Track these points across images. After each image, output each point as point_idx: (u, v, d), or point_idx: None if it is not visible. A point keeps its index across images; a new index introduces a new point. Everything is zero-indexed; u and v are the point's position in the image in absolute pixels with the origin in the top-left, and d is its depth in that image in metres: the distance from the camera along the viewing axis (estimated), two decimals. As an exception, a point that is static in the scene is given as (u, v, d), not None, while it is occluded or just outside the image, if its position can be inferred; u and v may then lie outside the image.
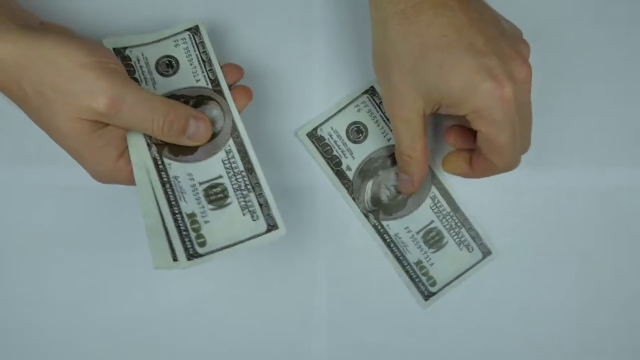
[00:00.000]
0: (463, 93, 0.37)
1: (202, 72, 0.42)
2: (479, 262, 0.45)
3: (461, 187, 0.46)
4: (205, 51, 0.43)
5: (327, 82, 0.46)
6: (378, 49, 0.40)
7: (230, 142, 0.41)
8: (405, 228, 0.45)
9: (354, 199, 0.45)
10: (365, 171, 0.46)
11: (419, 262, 0.45)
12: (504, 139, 0.38)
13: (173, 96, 0.41)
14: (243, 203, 0.39)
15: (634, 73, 0.47)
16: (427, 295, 0.45)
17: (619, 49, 0.48)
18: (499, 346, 0.46)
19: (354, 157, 0.46)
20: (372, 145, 0.46)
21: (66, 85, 0.35)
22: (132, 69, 0.42)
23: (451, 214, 0.45)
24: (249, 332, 0.46)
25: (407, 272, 0.45)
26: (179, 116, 0.38)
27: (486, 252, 0.45)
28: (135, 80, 0.41)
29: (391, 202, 0.46)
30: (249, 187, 0.40)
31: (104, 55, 0.37)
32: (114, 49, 0.42)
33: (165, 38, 0.43)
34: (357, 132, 0.46)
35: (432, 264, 0.45)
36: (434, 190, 0.46)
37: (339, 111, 0.46)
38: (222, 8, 0.46)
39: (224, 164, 0.40)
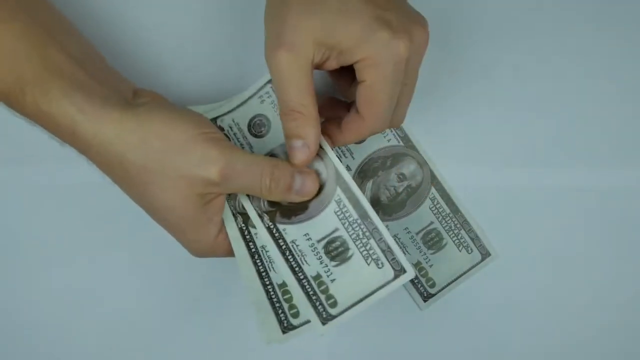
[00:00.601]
0: (359, 38, 0.35)
1: None
2: (478, 263, 0.45)
3: (461, 188, 0.46)
4: None
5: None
6: None
7: (338, 190, 0.39)
8: (405, 229, 0.45)
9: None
10: (365, 171, 0.46)
11: (418, 264, 0.45)
12: (383, 95, 0.37)
13: (272, 154, 0.41)
14: (365, 252, 0.38)
15: (635, 73, 0.48)
16: (426, 297, 0.45)
17: (620, 50, 0.48)
18: (499, 347, 0.46)
19: (354, 157, 0.46)
20: (371, 145, 0.46)
21: (178, 159, 0.35)
22: (227, 137, 0.41)
23: (450, 215, 0.45)
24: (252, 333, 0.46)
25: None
26: (284, 173, 0.37)
27: (485, 254, 0.45)
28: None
29: (391, 202, 0.46)
30: (367, 234, 0.38)
31: (207, 126, 0.37)
32: None
33: (250, 97, 0.43)
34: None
35: (432, 265, 0.45)
36: (433, 191, 0.46)
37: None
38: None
39: (337, 215, 0.39)
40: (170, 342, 0.46)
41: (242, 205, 0.40)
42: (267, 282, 0.38)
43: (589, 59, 0.48)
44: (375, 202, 0.45)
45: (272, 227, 0.39)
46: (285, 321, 0.37)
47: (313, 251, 0.38)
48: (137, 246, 0.45)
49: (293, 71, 0.36)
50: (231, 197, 0.40)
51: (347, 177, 0.39)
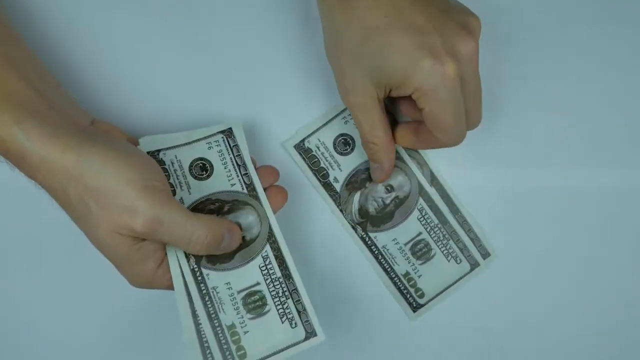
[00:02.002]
0: (405, 72, 0.37)
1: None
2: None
3: (461, 188, 0.47)
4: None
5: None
6: (327, 39, 0.40)
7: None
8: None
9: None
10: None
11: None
12: (447, 117, 0.38)
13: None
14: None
15: (635, 73, 0.48)
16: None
17: (621, 50, 0.48)
18: (499, 346, 0.46)
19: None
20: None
21: (108, 201, 0.35)
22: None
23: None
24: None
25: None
26: (215, 235, 0.38)
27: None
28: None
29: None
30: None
31: (148, 172, 0.37)
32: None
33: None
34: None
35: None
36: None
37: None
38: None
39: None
40: (170, 341, 0.45)
41: None
42: (217, 324, 0.39)
43: (589, 59, 0.48)
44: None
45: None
46: None
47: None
48: None
49: (364, 112, 0.40)
50: None
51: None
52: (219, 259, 0.40)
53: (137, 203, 0.35)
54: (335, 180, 0.46)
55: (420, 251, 0.45)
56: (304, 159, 0.45)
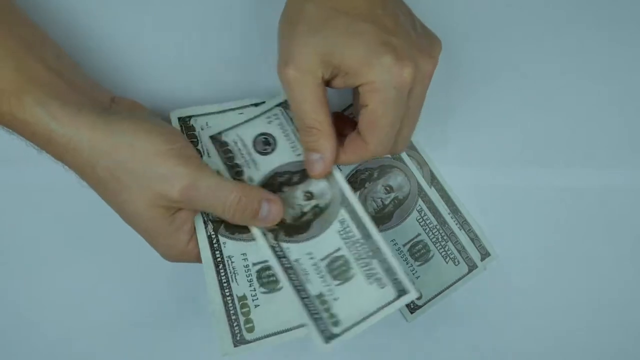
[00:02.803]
0: (362, 61, 0.35)
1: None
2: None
3: (461, 188, 0.47)
4: None
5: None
6: (289, 7, 0.38)
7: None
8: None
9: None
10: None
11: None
12: (386, 120, 0.37)
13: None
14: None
15: (635, 73, 0.48)
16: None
17: (620, 50, 0.48)
18: (499, 346, 0.46)
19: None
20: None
21: (143, 172, 0.36)
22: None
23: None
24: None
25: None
26: (251, 201, 0.38)
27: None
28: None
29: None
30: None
31: (179, 141, 0.37)
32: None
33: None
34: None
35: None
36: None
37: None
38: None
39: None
40: (169, 339, 0.46)
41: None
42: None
43: (589, 59, 0.48)
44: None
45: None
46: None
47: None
48: (136, 245, 0.43)
49: (304, 89, 0.36)
50: None
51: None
52: (296, 230, 0.40)
53: (171, 171, 0.36)
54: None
55: (418, 252, 0.45)
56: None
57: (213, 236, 0.39)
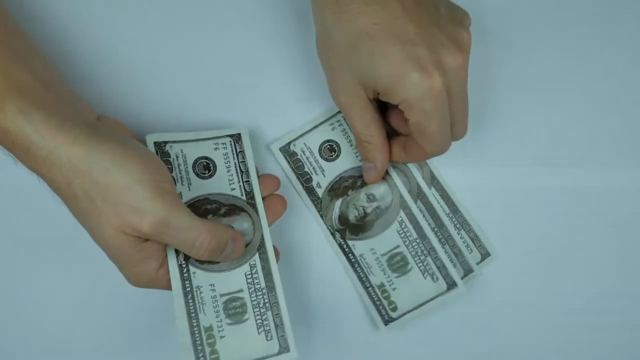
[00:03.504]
0: (392, 83, 0.37)
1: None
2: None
3: (461, 188, 0.47)
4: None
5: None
6: (318, 40, 0.41)
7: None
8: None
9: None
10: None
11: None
12: (433, 128, 0.39)
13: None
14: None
15: (635, 73, 0.48)
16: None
17: (620, 50, 0.48)
18: (499, 346, 0.46)
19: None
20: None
21: (116, 199, 0.35)
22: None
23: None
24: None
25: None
26: (220, 242, 0.38)
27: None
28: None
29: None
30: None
31: (158, 172, 0.37)
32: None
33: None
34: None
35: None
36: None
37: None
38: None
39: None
40: (168, 338, 0.45)
41: None
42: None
43: (589, 58, 0.48)
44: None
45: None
46: None
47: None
48: None
49: (356, 111, 0.41)
50: None
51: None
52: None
53: (146, 204, 0.35)
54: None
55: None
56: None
57: (184, 265, 0.39)
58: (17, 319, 0.45)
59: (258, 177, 0.43)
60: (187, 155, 0.43)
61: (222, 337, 0.39)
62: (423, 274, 0.45)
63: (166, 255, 0.39)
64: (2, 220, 0.45)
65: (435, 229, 0.46)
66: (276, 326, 0.40)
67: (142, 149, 0.38)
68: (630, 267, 0.46)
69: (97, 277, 0.45)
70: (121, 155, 0.35)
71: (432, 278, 0.45)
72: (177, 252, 0.39)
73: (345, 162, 0.46)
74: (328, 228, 0.45)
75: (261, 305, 0.40)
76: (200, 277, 0.40)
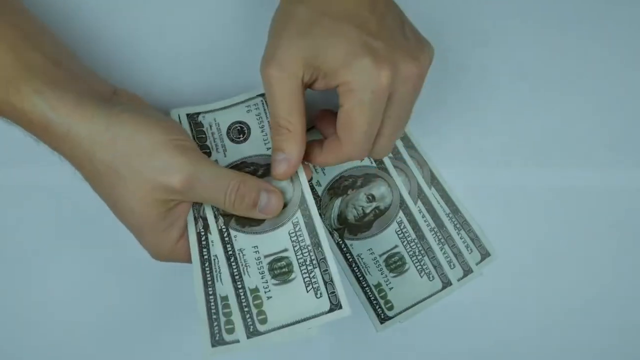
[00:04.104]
0: (341, 61, 0.36)
1: None
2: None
3: (461, 188, 0.47)
4: None
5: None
6: (278, 12, 0.39)
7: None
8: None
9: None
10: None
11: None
12: (360, 122, 0.37)
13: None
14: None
15: (635, 73, 0.48)
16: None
17: (620, 50, 0.48)
18: (499, 346, 0.46)
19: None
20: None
21: (143, 163, 0.35)
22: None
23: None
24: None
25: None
26: (250, 190, 0.38)
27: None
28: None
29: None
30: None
31: (177, 133, 0.37)
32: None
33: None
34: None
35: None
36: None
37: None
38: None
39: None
40: (168, 337, 0.46)
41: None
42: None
43: (589, 58, 0.48)
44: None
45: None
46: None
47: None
48: (134, 245, 0.42)
49: (283, 89, 0.37)
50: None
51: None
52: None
53: (173, 161, 0.35)
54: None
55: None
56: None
57: (224, 230, 0.39)
58: (20, 316, 0.45)
59: None
60: (220, 123, 0.42)
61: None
62: (420, 274, 0.45)
63: (186, 227, 0.39)
64: (1, 220, 0.45)
65: (435, 229, 0.46)
66: (325, 283, 0.38)
67: (157, 114, 0.39)
68: (630, 267, 0.47)
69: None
70: (139, 121, 0.36)
71: (429, 277, 0.45)
72: (215, 217, 0.39)
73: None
74: (327, 227, 0.45)
75: (308, 262, 0.38)
76: (242, 239, 0.39)
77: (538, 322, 0.46)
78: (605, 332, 0.46)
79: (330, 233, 0.45)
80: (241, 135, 0.42)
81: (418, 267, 0.45)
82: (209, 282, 0.38)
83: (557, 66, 0.48)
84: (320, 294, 0.38)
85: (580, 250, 0.47)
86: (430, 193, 0.47)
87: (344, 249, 0.45)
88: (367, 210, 0.46)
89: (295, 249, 0.39)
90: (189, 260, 0.39)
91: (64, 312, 0.45)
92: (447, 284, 0.45)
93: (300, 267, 0.38)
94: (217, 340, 0.37)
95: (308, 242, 0.39)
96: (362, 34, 0.36)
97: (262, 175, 0.41)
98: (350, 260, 0.45)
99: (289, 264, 0.38)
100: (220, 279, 0.38)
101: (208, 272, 0.38)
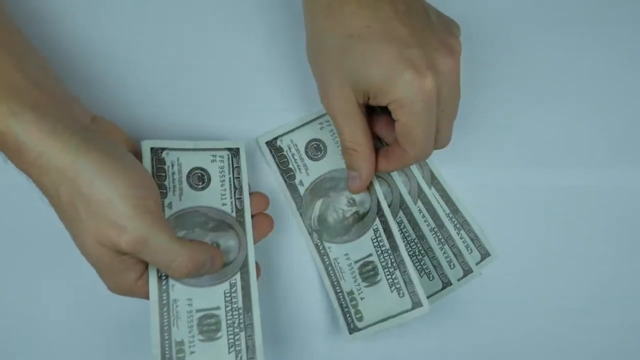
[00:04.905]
0: (384, 82, 0.37)
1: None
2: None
3: (461, 188, 0.47)
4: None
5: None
6: (309, 43, 0.40)
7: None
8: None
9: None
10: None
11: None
12: (419, 130, 0.38)
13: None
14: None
15: (635, 73, 0.48)
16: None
17: (620, 50, 0.48)
18: (499, 346, 0.46)
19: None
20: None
21: (98, 211, 0.34)
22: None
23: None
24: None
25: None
26: (197, 264, 0.37)
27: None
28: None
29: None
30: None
31: (142, 188, 0.36)
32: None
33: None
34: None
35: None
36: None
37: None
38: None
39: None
40: None
41: None
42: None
43: (590, 58, 0.48)
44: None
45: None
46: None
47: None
48: None
49: (344, 117, 0.40)
50: None
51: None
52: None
53: (126, 221, 0.34)
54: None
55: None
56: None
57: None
58: (20, 316, 0.45)
59: (249, 194, 0.42)
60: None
61: (362, 298, 0.42)
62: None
63: (146, 267, 0.38)
64: (2, 218, 0.45)
65: (435, 229, 0.45)
66: (405, 283, 0.41)
67: (131, 162, 0.37)
68: (629, 267, 0.47)
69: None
70: (108, 167, 0.35)
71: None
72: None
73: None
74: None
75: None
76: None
77: (538, 322, 0.47)
78: (605, 331, 0.47)
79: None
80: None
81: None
82: (165, 327, 0.38)
83: (557, 66, 0.48)
84: (403, 293, 0.41)
85: (580, 250, 0.47)
86: (431, 193, 0.46)
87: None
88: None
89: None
90: (147, 297, 0.39)
91: (67, 314, 0.44)
92: (446, 283, 0.44)
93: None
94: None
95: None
96: (395, 48, 0.36)
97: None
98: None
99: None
100: (177, 324, 0.38)
101: (165, 316, 0.38)
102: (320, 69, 0.40)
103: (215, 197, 0.41)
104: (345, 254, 0.44)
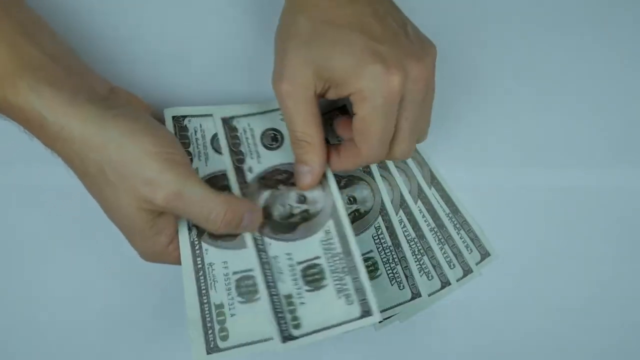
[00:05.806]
0: (350, 70, 0.36)
1: None
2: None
3: (460, 188, 0.47)
4: None
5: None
6: (281, 24, 0.39)
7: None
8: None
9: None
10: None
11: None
12: (376, 127, 0.37)
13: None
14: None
15: (635, 73, 0.48)
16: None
17: (620, 50, 0.48)
18: (499, 346, 0.46)
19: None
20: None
21: (130, 172, 0.35)
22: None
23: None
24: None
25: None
26: (235, 215, 0.37)
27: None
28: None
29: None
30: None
31: (169, 145, 0.37)
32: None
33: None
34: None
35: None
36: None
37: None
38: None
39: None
40: (168, 336, 0.46)
41: None
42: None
43: (589, 59, 0.48)
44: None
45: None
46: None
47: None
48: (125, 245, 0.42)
49: (297, 103, 0.37)
50: None
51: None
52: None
53: (159, 176, 0.35)
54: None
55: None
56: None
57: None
58: (20, 316, 0.45)
59: None
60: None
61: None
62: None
63: (177, 231, 0.39)
64: (2, 218, 0.46)
65: (435, 229, 0.46)
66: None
67: (152, 122, 0.38)
68: (629, 267, 0.47)
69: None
70: (132, 129, 0.35)
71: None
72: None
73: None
74: None
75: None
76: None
77: (538, 322, 0.47)
78: (605, 331, 0.47)
79: None
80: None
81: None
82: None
83: (557, 66, 0.48)
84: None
85: (580, 250, 0.47)
86: (431, 193, 0.46)
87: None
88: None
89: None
90: (178, 264, 0.39)
91: (64, 312, 0.45)
92: (445, 283, 0.44)
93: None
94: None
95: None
96: (367, 40, 0.36)
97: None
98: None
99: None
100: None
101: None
102: (284, 48, 0.38)
103: (292, 151, 0.41)
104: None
